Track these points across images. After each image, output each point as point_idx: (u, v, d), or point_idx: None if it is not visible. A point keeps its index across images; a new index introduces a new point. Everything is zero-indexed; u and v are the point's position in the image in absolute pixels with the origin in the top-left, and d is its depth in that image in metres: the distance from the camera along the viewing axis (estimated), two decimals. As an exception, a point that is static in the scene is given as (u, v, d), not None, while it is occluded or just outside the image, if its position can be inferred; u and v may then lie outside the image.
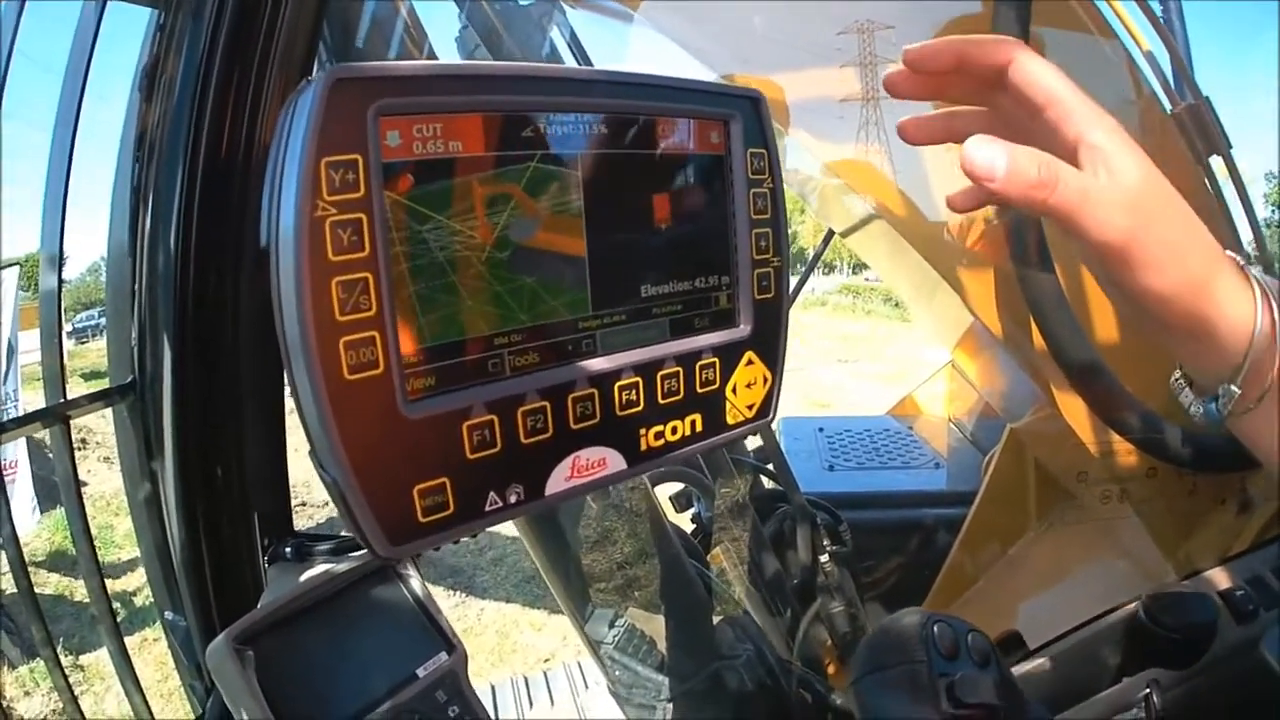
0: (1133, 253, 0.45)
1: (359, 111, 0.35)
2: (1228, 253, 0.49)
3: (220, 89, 0.74)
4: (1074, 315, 1.04)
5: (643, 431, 0.47)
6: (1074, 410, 1.13)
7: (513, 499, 0.42)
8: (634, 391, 0.46)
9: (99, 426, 6.71)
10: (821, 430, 2.13)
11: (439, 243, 0.38)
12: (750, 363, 0.52)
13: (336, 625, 0.64)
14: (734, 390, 0.52)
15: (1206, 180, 1.13)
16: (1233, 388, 0.49)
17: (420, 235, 0.37)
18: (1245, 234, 1.17)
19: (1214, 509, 1.19)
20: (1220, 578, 1.04)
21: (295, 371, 0.35)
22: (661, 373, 0.47)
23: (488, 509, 0.41)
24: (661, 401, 0.48)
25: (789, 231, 0.56)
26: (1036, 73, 0.49)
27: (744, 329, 0.52)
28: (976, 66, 0.51)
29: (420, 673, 0.63)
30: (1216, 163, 1.14)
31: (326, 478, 0.37)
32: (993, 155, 0.44)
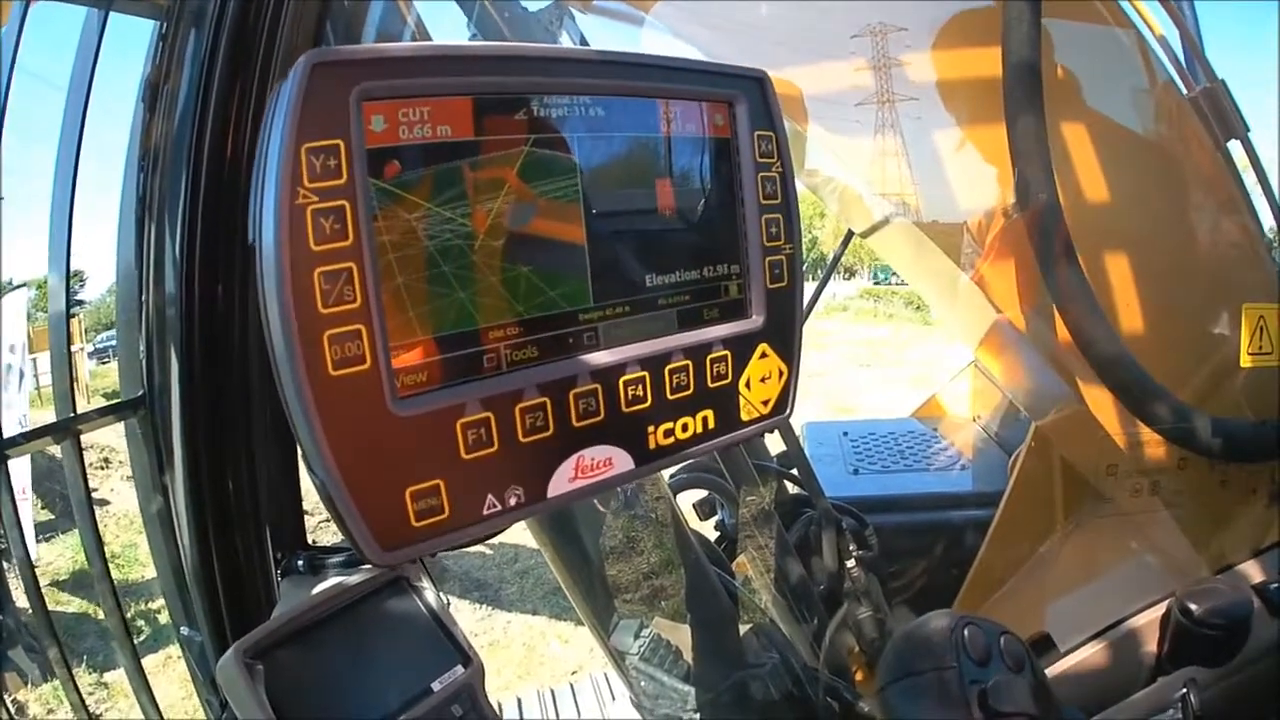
0: None
1: (341, 96, 0.34)
2: None
3: (222, 99, 0.74)
4: (1100, 307, 1.02)
5: (651, 429, 0.45)
6: (1101, 404, 1.11)
7: (512, 501, 0.40)
8: (640, 387, 0.44)
9: (120, 445, 6.77)
10: (846, 434, 2.10)
11: (429, 231, 0.37)
12: (764, 355, 0.50)
13: (349, 638, 0.62)
14: (748, 385, 0.50)
15: (1226, 165, 1.11)
16: None
17: (408, 224, 0.36)
18: (1266, 219, 1.14)
19: (1246, 501, 1.17)
20: (1253, 571, 1.02)
21: (280, 368, 0.34)
22: (669, 367, 0.45)
23: (486, 513, 0.39)
24: (670, 397, 0.46)
25: (805, 236, 0.54)
26: None
27: (756, 320, 0.50)
28: None
29: (435, 686, 0.61)
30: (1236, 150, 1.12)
31: (315, 480, 0.35)
32: None
